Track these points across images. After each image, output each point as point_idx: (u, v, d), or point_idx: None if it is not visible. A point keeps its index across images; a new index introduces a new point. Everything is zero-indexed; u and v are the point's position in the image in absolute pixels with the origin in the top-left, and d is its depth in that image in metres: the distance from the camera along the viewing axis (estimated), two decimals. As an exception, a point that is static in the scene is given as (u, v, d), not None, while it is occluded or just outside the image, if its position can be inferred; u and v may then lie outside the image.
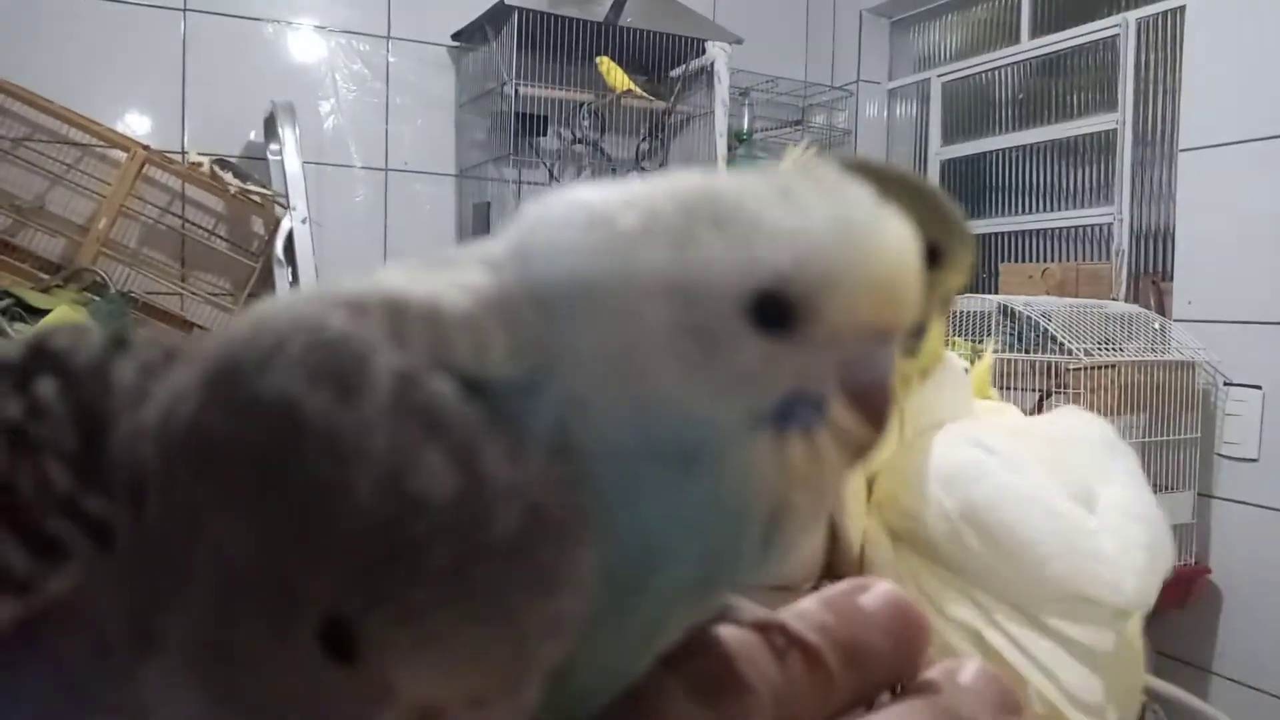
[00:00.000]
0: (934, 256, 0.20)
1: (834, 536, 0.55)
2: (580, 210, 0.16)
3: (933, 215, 0.20)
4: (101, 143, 2.12)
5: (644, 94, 2.44)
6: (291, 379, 0.12)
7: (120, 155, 2.11)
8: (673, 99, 2.59)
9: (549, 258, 0.15)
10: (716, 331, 0.15)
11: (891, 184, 0.21)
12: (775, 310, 0.15)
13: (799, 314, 0.15)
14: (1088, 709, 0.50)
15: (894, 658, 0.20)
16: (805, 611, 0.20)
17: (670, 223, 0.15)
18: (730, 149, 2.60)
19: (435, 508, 0.12)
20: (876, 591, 0.21)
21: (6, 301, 1.85)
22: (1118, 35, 2.36)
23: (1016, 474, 0.55)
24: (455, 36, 2.56)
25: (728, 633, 0.19)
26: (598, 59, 2.38)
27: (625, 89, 2.40)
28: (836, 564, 0.60)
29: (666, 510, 0.14)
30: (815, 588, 0.56)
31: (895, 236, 0.16)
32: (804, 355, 0.15)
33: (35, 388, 0.14)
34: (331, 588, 0.12)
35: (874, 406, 0.16)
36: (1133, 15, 2.32)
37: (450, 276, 0.15)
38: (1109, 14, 2.41)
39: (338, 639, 0.12)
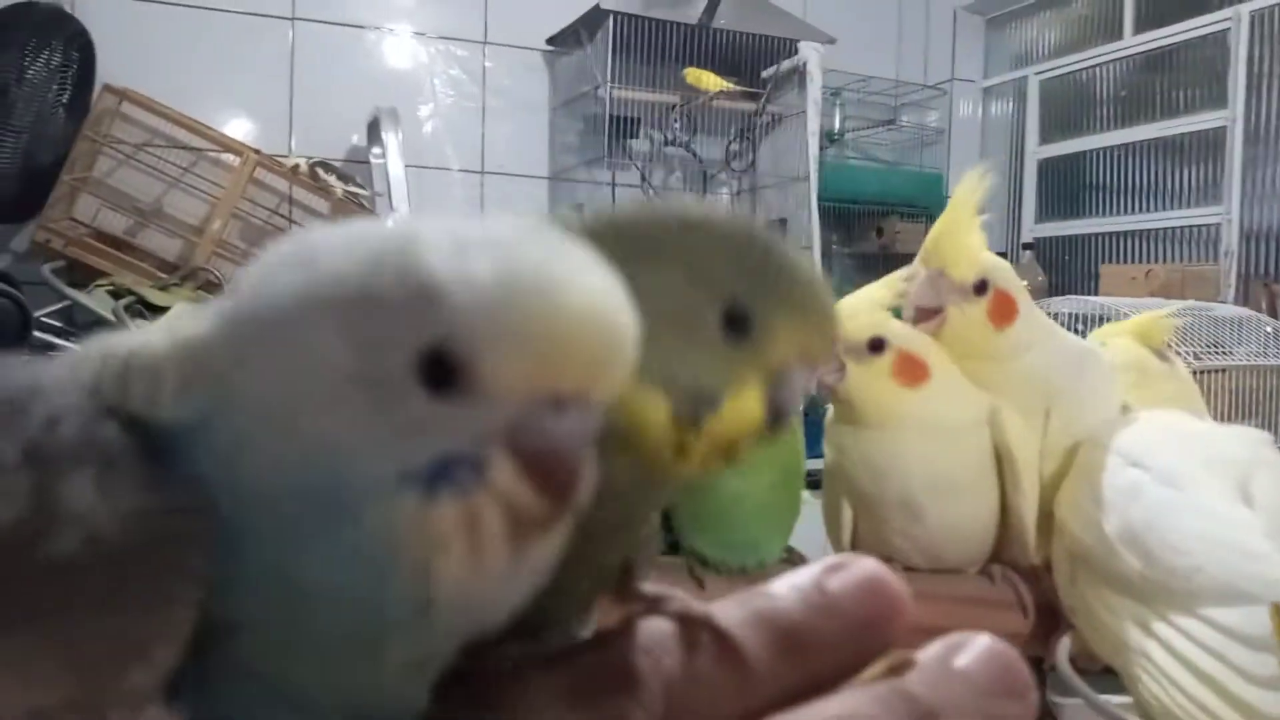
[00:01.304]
0: (739, 320, 0.17)
1: (1005, 517, 0.56)
2: (298, 250, 0.16)
3: (736, 264, 0.18)
4: (215, 147, 2.22)
5: (736, 87, 2.43)
6: None
7: (231, 159, 2.21)
8: (763, 99, 2.59)
9: (255, 295, 0.16)
10: (389, 384, 0.14)
11: (670, 229, 0.19)
12: (439, 368, 0.15)
13: (460, 373, 0.15)
14: (1264, 682, 0.49)
15: (856, 641, 0.19)
16: (750, 598, 0.20)
17: (363, 270, 0.15)
18: (821, 149, 2.59)
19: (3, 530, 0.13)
20: (849, 571, 0.20)
21: (129, 299, 1.95)
22: (1229, 29, 2.28)
23: (1171, 486, 0.55)
24: (550, 41, 2.61)
25: (640, 625, 0.19)
26: (685, 71, 2.39)
27: (719, 89, 2.40)
28: (1008, 543, 0.59)
29: (309, 555, 0.14)
30: (983, 571, 0.57)
31: (571, 295, 0.15)
32: (464, 416, 0.15)
33: None
34: None
35: (545, 476, 0.15)
36: (1245, 8, 2.24)
37: (186, 321, 0.16)
38: (1219, 7, 2.33)
39: None
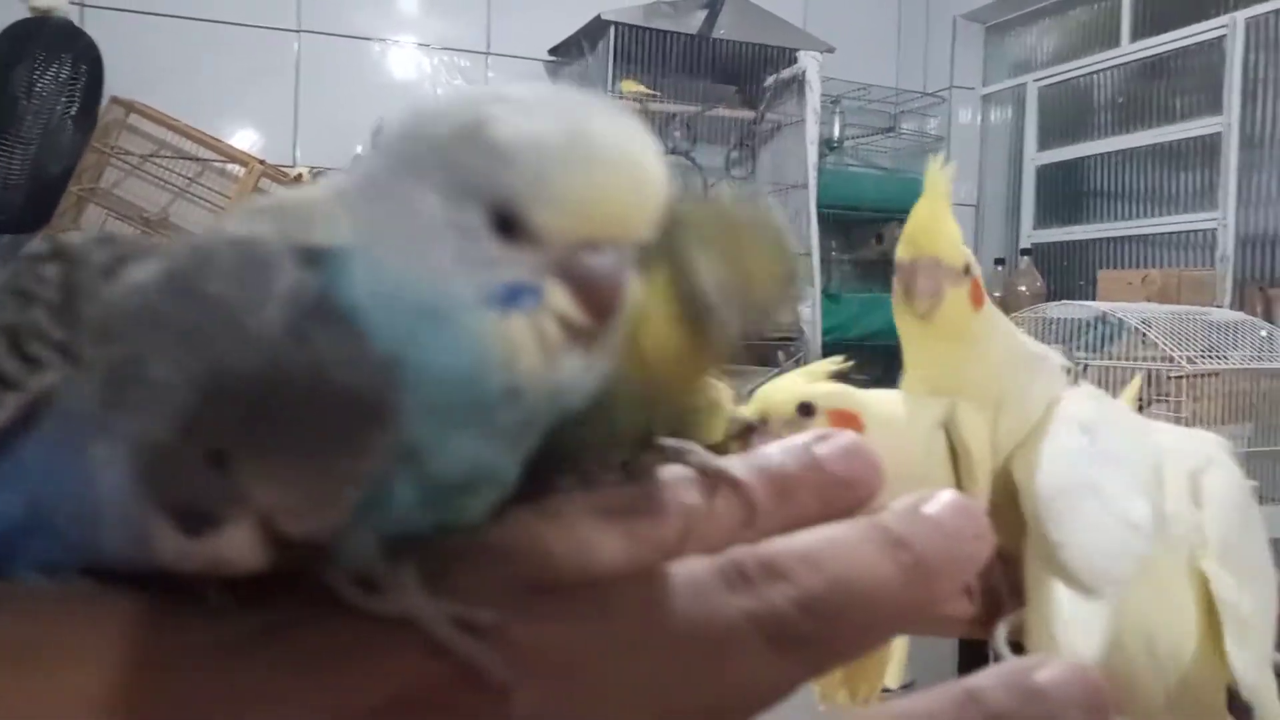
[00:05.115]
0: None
1: (959, 484, 0.58)
2: (408, 118, 0.20)
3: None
4: (221, 158, 2.25)
5: (647, 91, 2.42)
6: (217, 284, 0.18)
7: (237, 169, 2.24)
8: (762, 108, 2.61)
9: (379, 154, 0.20)
10: (470, 230, 0.19)
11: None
12: (506, 219, 0.19)
13: (522, 225, 0.19)
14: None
15: (839, 493, 0.23)
16: (752, 457, 0.24)
17: (448, 139, 0.19)
18: (821, 156, 2.61)
19: (286, 388, 0.17)
20: (833, 439, 0.24)
21: (136, 308, 1.98)
22: (1225, 36, 2.30)
23: (1103, 461, 0.57)
24: (552, 51, 2.63)
25: (666, 470, 0.24)
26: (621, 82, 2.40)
27: (635, 91, 2.40)
28: None
29: (428, 347, 0.19)
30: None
31: (604, 159, 0.19)
32: (526, 255, 0.19)
33: (44, 268, 0.21)
34: (217, 427, 0.17)
35: (588, 299, 0.19)
36: (1241, 15, 2.26)
37: (330, 182, 0.21)
38: (1216, 14, 2.35)
39: (218, 457, 0.17)
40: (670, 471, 0.24)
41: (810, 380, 0.61)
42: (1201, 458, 0.60)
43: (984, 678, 0.20)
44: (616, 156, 0.19)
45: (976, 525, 0.22)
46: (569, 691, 0.19)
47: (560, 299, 0.19)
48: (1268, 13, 2.21)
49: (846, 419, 0.58)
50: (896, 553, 0.21)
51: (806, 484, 0.24)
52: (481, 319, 0.19)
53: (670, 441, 0.26)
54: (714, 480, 0.24)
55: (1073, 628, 0.54)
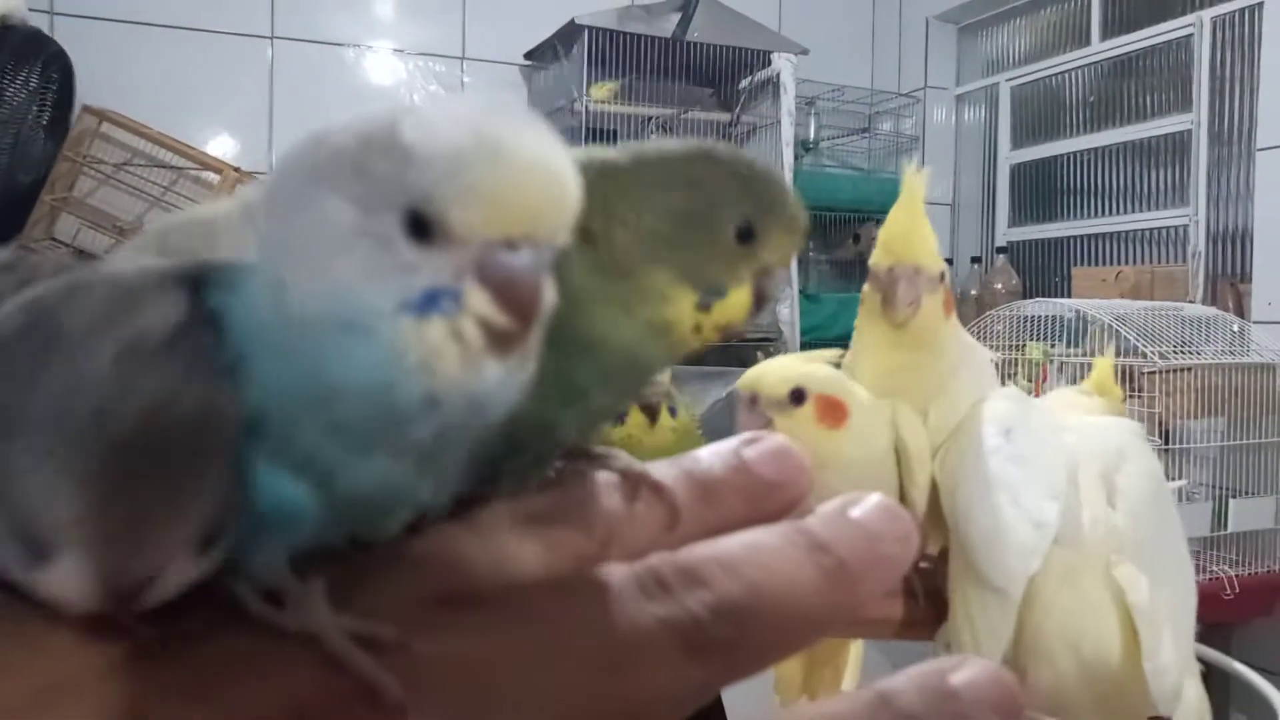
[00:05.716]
0: (746, 233, 0.24)
1: (901, 493, 0.59)
2: (313, 136, 0.20)
3: (745, 193, 0.25)
4: (195, 165, 2.23)
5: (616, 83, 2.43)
6: (72, 317, 0.18)
7: (212, 177, 2.22)
8: (737, 110, 2.62)
9: (285, 168, 0.20)
10: (384, 236, 0.19)
11: (698, 162, 0.25)
12: (419, 223, 0.19)
13: (437, 225, 0.19)
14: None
15: (766, 496, 0.24)
16: (679, 460, 0.24)
17: (358, 148, 0.19)
18: (796, 158, 2.62)
19: (111, 422, 0.17)
20: (761, 443, 0.25)
21: (111, 318, 1.96)
22: (1192, 34, 2.33)
23: (1018, 464, 0.58)
24: (527, 56, 2.63)
25: (589, 474, 0.24)
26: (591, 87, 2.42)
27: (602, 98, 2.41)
28: None
29: (338, 364, 0.18)
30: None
31: (513, 161, 0.19)
32: (442, 258, 0.19)
33: None
34: (48, 454, 0.17)
35: (508, 300, 0.19)
36: (1207, 14, 2.29)
37: (241, 196, 0.21)
38: (1182, 13, 2.38)
39: (51, 483, 0.17)
40: (594, 477, 0.24)
41: (807, 363, 0.61)
42: (1113, 454, 0.60)
43: (898, 680, 0.20)
44: (529, 152, 0.19)
45: (901, 528, 0.22)
46: (470, 704, 0.19)
47: (480, 301, 0.19)
48: (1232, 11, 2.24)
49: (833, 406, 0.58)
50: (818, 556, 0.21)
51: (733, 487, 0.24)
52: (398, 325, 0.18)
53: (596, 449, 0.26)
54: (636, 484, 0.24)
55: (982, 626, 0.54)
